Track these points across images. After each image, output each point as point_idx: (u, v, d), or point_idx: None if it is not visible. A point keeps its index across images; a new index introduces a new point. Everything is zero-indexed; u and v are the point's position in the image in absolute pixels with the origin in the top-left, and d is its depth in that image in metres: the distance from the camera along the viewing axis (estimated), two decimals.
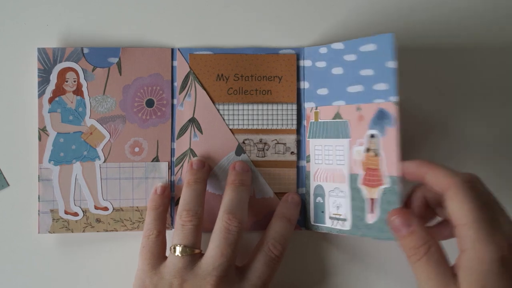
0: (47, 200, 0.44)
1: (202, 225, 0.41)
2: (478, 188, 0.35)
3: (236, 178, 0.43)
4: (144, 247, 0.41)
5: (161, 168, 0.45)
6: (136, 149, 0.45)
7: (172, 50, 0.45)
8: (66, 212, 0.44)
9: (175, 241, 0.40)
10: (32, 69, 0.45)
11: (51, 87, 0.44)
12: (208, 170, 0.44)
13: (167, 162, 0.45)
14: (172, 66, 0.45)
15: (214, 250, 0.40)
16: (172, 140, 0.45)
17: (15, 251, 0.45)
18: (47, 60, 0.44)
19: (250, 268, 0.41)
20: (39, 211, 0.44)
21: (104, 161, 0.45)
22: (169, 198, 0.44)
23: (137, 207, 0.45)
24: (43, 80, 0.44)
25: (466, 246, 0.34)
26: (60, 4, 0.46)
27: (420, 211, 0.39)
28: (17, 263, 0.45)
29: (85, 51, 0.45)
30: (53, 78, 0.44)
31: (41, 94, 0.44)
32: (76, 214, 0.44)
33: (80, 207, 0.45)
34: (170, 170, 0.45)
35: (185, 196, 0.42)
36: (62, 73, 0.45)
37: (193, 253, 0.40)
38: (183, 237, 0.40)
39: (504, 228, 0.34)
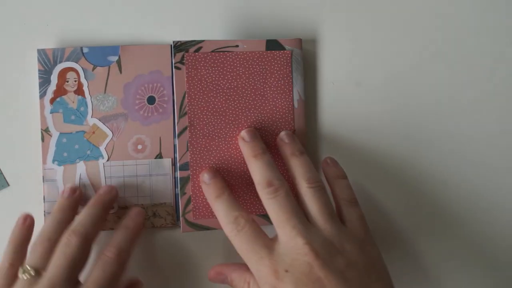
0: (52, 201, 0.44)
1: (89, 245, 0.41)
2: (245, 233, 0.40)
3: (94, 198, 0.43)
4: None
5: (164, 165, 0.45)
6: (139, 147, 0.45)
7: (171, 46, 0.45)
8: None
9: (25, 263, 0.40)
10: (32, 70, 0.45)
11: (52, 87, 0.45)
12: (78, 197, 0.44)
13: (170, 159, 0.45)
14: (172, 62, 0.45)
15: (52, 268, 0.39)
16: (175, 136, 0.45)
17: None
18: (47, 61, 0.44)
19: (87, 276, 0.40)
20: (44, 211, 0.44)
21: (108, 160, 0.45)
22: (30, 228, 0.43)
23: (142, 204, 0.45)
24: (44, 81, 0.44)
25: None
26: (58, 5, 0.46)
27: None
28: None
29: (85, 50, 0.45)
30: (54, 78, 0.45)
31: (42, 95, 0.44)
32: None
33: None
34: (173, 166, 0.45)
35: (45, 223, 0.42)
36: (63, 73, 0.45)
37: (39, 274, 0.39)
38: (31, 259, 0.40)
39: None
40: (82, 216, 0.41)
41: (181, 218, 0.44)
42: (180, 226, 0.45)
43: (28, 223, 0.43)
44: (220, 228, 0.41)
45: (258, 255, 0.38)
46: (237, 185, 0.44)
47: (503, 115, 0.48)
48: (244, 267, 0.41)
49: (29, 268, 0.39)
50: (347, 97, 0.47)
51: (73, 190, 0.44)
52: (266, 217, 0.44)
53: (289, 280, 0.36)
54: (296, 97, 0.45)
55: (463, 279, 0.47)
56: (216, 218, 0.41)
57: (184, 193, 0.44)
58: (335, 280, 0.36)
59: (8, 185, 0.45)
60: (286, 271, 0.37)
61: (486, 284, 0.47)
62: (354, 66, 0.47)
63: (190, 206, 0.44)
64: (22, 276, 0.39)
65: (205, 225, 0.44)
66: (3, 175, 0.45)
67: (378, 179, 0.47)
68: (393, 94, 0.47)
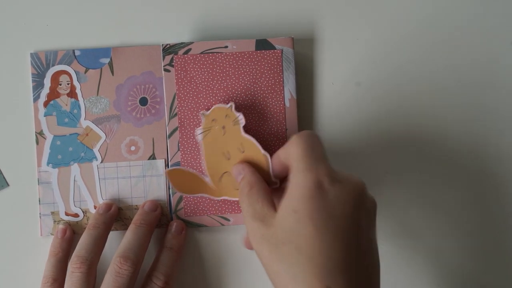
0: (47, 203, 0.45)
1: (94, 270, 0.42)
2: (309, 137, 0.38)
3: (139, 218, 0.44)
4: None
5: (158, 166, 0.45)
6: (132, 148, 0.45)
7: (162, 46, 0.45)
8: (66, 214, 0.45)
9: (65, 287, 0.41)
10: (26, 74, 0.45)
11: (45, 91, 0.45)
12: (114, 213, 0.45)
13: (163, 160, 0.45)
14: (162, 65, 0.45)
15: None
16: (168, 137, 0.45)
17: (16, 252, 0.45)
18: (40, 64, 0.45)
19: None
20: (40, 213, 0.45)
21: (102, 162, 0.45)
22: (70, 240, 0.44)
23: (136, 205, 0.45)
24: (38, 85, 0.45)
25: (290, 177, 0.37)
26: (51, 8, 0.46)
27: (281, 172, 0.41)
28: (18, 264, 0.45)
29: (77, 53, 0.45)
30: (47, 82, 0.45)
31: (36, 98, 0.45)
32: (76, 215, 0.45)
33: (80, 208, 0.45)
34: (166, 167, 0.45)
35: (81, 241, 0.43)
36: (56, 77, 0.45)
37: None
38: (71, 284, 0.41)
39: (325, 164, 0.37)
40: (131, 239, 0.42)
41: (173, 215, 0.45)
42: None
43: (67, 236, 0.44)
44: (210, 225, 0.43)
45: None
46: None
47: (504, 116, 0.47)
48: (259, 176, 0.41)
49: None
50: (344, 96, 0.46)
51: (108, 206, 0.44)
52: None
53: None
54: (287, 96, 0.45)
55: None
56: (206, 215, 0.44)
57: (176, 192, 0.45)
58: None
59: (8, 185, 0.46)
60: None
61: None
62: (353, 66, 0.47)
63: (182, 204, 0.45)
64: None
65: (196, 222, 0.45)
66: (3, 175, 0.46)
67: (376, 180, 0.46)
68: (392, 94, 0.47)
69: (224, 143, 0.43)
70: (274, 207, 0.37)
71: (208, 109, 0.44)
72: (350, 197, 0.36)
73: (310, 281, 0.34)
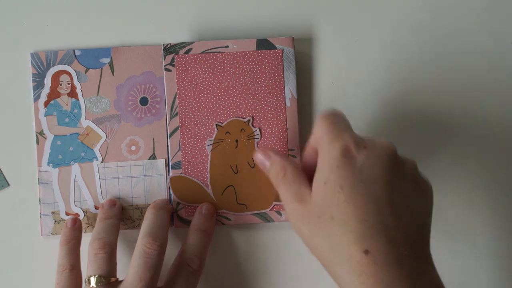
0: (48, 203, 0.45)
1: (115, 253, 0.42)
2: (331, 113, 0.38)
3: (158, 203, 0.44)
4: (58, 284, 0.41)
5: (158, 166, 0.45)
6: (133, 148, 0.45)
7: (162, 47, 0.45)
8: (67, 214, 0.45)
9: (89, 272, 0.40)
10: (26, 74, 0.45)
11: (46, 90, 0.45)
12: (120, 208, 0.45)
13: (164, 159, 0.45)
14: (162, 64, 0.45)
15: (132, 276, 0.39)
16: (168, 137, 0.45)
17: (16, 252, 0.45)
18: (41, 64, 0.45)
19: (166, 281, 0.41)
20: (40, 213, 0.45)
21: (102, 161, 0.45)
22: (80, 230, 0.44)
23: (137, 205, 0.45)
24: (38, 84, 0.45)
25: (319, 152, 0.37)
26: (51, 8, 0.46)
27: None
28: (18, 264, 0.45)
29: (77, 53, 0.45)
30: (47, 81, 0.45)
31: (36, 98, 0.45)
32: (77, 215, 0.45)
33: (81, 208, 0.45)
34: (167, 167, 0.45)
35: (96, 228, 0.42)
36: (56, 76, 0.45)
37: (109, 282, 0.40)
38: (97, 267, 0.40)
39: (350, 132, 0.37)
40: (154, 220, 0.42)
41: (173, 215, 0.45)
42: (172, 224, 0.45)
43: (78, 225, 0.44)
44: None
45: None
46: None
47: (505, 116, 0.47)
48: (288, 156, 0.43)
49: (101, 277, 0.40)
50: (345, 96, 0.47)
51: (113, 202, 0.45)
52: (262, 216, 0.45)
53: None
54: (288, 95, 0.45)
55: None
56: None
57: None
58: None
59: (8, 185, 0.46)
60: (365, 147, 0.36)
61: None
62: (353, 66, 0.47)
63: (183, 203, 0.45)
64: (97, 285, 0.40)
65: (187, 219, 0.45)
66: (3, 175, 0.46)
67: None
68: (392, 94, 0.47)
69: (234, 157, 0.44)
70: (310, 185, 0.37)
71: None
72: (378, 160, 0.36)
73: (348, 248, 0.34)
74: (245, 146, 0.44)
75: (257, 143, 0.44)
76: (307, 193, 0.37)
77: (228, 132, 0.44)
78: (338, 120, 0.38)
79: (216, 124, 0.44)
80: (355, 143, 0.36)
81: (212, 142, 0.44)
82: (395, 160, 0.36)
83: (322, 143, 0.37)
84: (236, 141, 0.44)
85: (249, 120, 0.44)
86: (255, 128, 0.44)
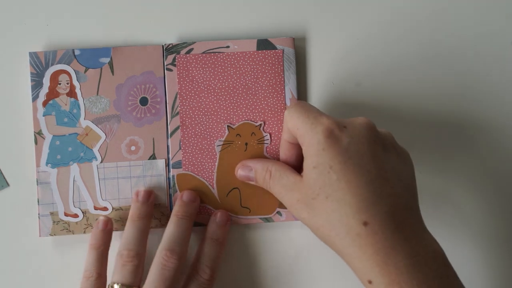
0: (46, 203, 0.44)
1: (143, 263, 0.42)
2: (297, 104, 0.40)
3: (180, 210, 0.43)
4: None
5: (158, 166, 0.45)
6: (133, 148, 0.45)
7: (163, 48, 0.45)
8: (66, 214, 0.44)
9: (115, 279, 0.41)
10: (25, 73, 0.45)
11: (44, 90, 0.45)
12: (153, 202, 0.44)
13: (164, 160, 0.45)
14: (164, 63, 0.45)
15: (149, 285, 0.40)
16: (168, 137, 0.45)
17: (15, 252, 0.45)
18: (39, 64, 0.45)
19: None
20: (39, 214, 0.44)
21: (101, 162, 0.45)
22: (111, 233, 0.44)
23: None
24: (36, 84, 0.44)
25: (300, 142, 0.39)
26: (50, 7, 0.46)
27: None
28: (17, 264, 0.45)
29: (76, 52, 0.45)
30: (46, 81, 0.45)
31: (35, 98, 0.44)
32: (76, 216, 0.45)
33: (80, 208, 0.45)
34: (167, 167, 0.45)
35: (127, 234, 0.42)
36: (55, 76, 0.45)
37: None
38: (122, 277, 0.41)
39: (326, 116, 0.38)
40: (175, 232, 0.42)
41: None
42: None
43: (109, 227, 0.43)
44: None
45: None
46: None
47: (505, 116, 0.48)
48: (266, 158, 0.43)
49: (124, 285, 0.40)
50: (345, 96, 0.47)
51: (148, 193, 0.44)
52: (262, 217, 0.45)
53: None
54: (288, 95, 0.45)
55: None
56: (205, 215, 0.44)
57: (177, 191, 0.45)
58: None
59: (8, 185, 0.45)
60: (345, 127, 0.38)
61: None
62: (353, 65, 0.47)
63: None
64: None
65: (196, 221, 0.45)
66: (3, 175, 0.45)
67: None
68: (392, 94, 0.47)
69: (243, 159, 0.44)
70: (299, 173, 0.39)
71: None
72: (362, 136, 0.37)
73: (347, 222, 0.35)
74: (254, 150, 0.44)
75: (266, 148, 0.44)
76: (298, 179, 0.39)
77: (238, 134, 0.44)
78: (308, 108, 0.39)
79: (228, 126, 0.44)
80: (335, 124, 0.37)
81: (222, 143, 0.44)
82: (376, 134, 0.38)
83: (302, 133, 0.38)
84: (246, 144, 0.44)
85: (260, 124, 0.44)
86: (266, 133, 0.44)
